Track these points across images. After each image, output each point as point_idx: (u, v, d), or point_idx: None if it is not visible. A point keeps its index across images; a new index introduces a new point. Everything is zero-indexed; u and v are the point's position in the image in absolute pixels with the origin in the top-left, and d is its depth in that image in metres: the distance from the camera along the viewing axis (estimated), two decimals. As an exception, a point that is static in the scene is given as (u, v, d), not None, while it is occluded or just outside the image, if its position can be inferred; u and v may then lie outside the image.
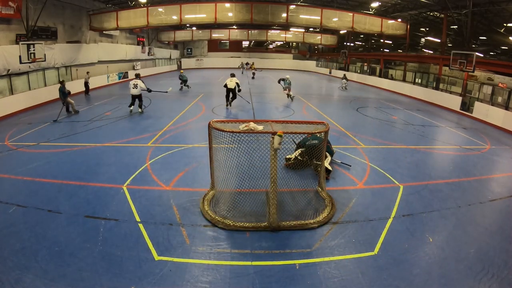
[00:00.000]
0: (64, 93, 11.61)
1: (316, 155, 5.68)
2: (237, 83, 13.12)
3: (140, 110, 12.24)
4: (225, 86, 13.15)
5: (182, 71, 20.77)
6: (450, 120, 13.48)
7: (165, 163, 7.05)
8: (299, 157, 6.47)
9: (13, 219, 4.72)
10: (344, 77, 22.46)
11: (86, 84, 16.90)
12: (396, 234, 4.58)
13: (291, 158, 6.54)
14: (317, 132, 5.22)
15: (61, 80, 12.81)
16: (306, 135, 6.46)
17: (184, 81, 19.34)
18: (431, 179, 6.63)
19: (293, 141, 6.95)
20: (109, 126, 10.22)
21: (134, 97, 11.87)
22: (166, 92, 13.95)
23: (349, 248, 4.24)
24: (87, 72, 17.57)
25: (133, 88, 11.71)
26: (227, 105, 13.55)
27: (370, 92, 21.48)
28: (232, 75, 13.65)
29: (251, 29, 32.58)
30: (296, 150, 6.82)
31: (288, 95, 16.11)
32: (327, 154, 6.64)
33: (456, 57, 15.44)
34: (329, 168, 6.44)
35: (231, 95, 13.31)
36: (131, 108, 12.10)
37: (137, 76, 12.44)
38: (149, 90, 11.89)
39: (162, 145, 8.30)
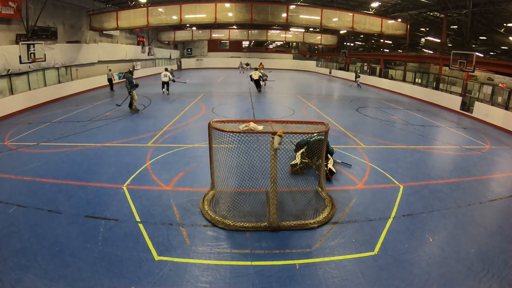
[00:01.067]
0: (132, 84, 11.87)
1: (318, 153, 5.64)
2: (260, 76, 18.25)
3: (167, 91, 17.01)
4: (251, 77, 18.20)
5: (172, 68, 21.98)
6: (450, 120, 13.48)
7: (165, 163, 7.05)
8: (303, 160, 6.42)
9: (13, 219, 4.72)
10: (358, 76, 24.18)
11: (110, 80, 18.75)
12: (396, 234, 4.58)
13: (297, 163, 6.43)
14: (317, 132, 5.21)
15: (130, 69, 13.12)
16: (306, 135, 6.44)
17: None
18: (431, 179, 6.63)
19: (291, 141, 6.91)
20: (109, 126, 10.22)
21: (164, 83, 16.83)
22: (185, 82, 19.68)
23: (349, 248, 4.23)
24: (109, 69, 19.11)
25: (164, 77, 16.62)
26: (259, 91, 18.40)
27: (370, 92, 21.48)
28: (256, 69, 19.68)
29: (251, 29, 32.55)
30: (296, 152, 6.78)
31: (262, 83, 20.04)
32: (329, 156, 6.60)
33: (456, 57, 15.43)
34: (333, 170, 6.39)
35: (257, 83, 18.30)
36: (163, 90, 17.03)
37: (166, 69, 17.40)
38: (173, 80, 17.05)
39: (162, 145, 8.30)
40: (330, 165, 6.36)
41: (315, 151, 5.74)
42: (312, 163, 6.33)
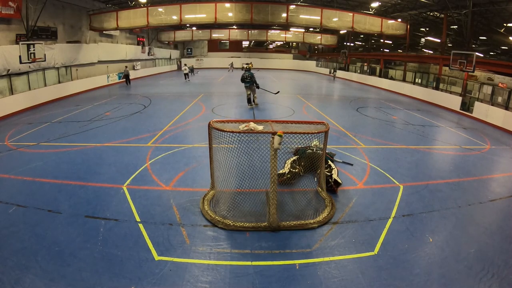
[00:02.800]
0: (254, 81, 12.82)
1: (317, 163, 5.59)
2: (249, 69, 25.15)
3: (188, 79, 24.49)
4: (242, 68, 21.65)
5: (193, 65, 27.73)
6: (450, 120, 13.47)
7: (165, 163, 7.05)
8: (292, 170, 6.13)
9: (13, 219, 4.72)
10: (335, 70, 29.54)
11: (127, 76, 21.64)
12: (396, 234, 4.58)
13: (284, 173, 5.99)
14: (316, 132, 5.15)
15: (246, 66, 13.93)
16: (304, 144, 6.23)
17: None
18: (431, 179, 6.63)
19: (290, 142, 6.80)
20: (109, 126, 10.22)
21: (185, 74, 24.71)
22: (197, 73, 27.73)
23: (349, 248, 4.23)
24: (126, 66, 22.27)
25: (184, 70, 24.88)
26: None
27: (370, 92, 21.48)
28: (247, 64, 24.83)
29: (251, 29, 32.60)
30: (289, 158, 6.52)
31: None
32: (332, 165, 6.32)
33: (456, 57, 15.43)
34: (339, 181, 5.86)
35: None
36: (186, 79, 24.36)
37: (185, 64, 26.83)
38: (191, 72, 25.80)
39: (162, 145, 8.30)
40: (335, 176, 5.88)
41: (314, 162, 5.69)
42: (307, 171, 6.23)
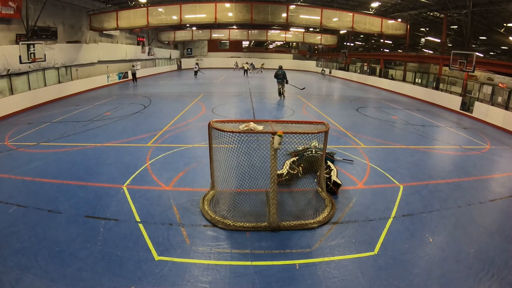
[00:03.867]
0: (285, 78, 15.55)
1: (317, 165, 5.58)
2: (248, 68, 30.70)
3: (196, 76, 27.12)
4: (243, 67, 30.53)
5: (198, 63, 30.95)
6: (450, 120, 13.47)
7: (165, 163, 7.05)
8: (291, 171, 6.07)
9: (13, 219, 4.72)
10: (324, 70, 32.97)
11: (134, 74, 22.92)
12: (396, 234, 4.58)
13: (283, 173, 5.90)
14: (316, 132, 5.15)
15: (279, 65, 16.64)
16: (304, 145, 6.13)
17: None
18: (431, 179, 6.63)
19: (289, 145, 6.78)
20: (109, 126, 10.22)
21: (195, 72, 27.65)
22: (203, 73, 28.79)
23: (349, 248, 4.23)
24: (132, 65, 23.55)
25: (195, 68, 28.04)
26: (245, 75, 29.55)
27: (370, 92, 21.47)
28: (250, 64, 31.93)
29: (251, 29, 32.60)
30: (287, 159, 6.50)
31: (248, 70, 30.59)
32: (331, 165, 6.31)
33: (456, 57, 15.42)
34: (338, 181, 5.77)
35: (246, 72, 29.91)
36: (195, 76, 27.14)
37: (196, 63, 30.40)
38: (198, 70, 27.96)
39: (162, 145, 8.30)
40: (334, 177, 5.81)
41: (314, 164, 5.67)
42: (302, 175, 6.19)
